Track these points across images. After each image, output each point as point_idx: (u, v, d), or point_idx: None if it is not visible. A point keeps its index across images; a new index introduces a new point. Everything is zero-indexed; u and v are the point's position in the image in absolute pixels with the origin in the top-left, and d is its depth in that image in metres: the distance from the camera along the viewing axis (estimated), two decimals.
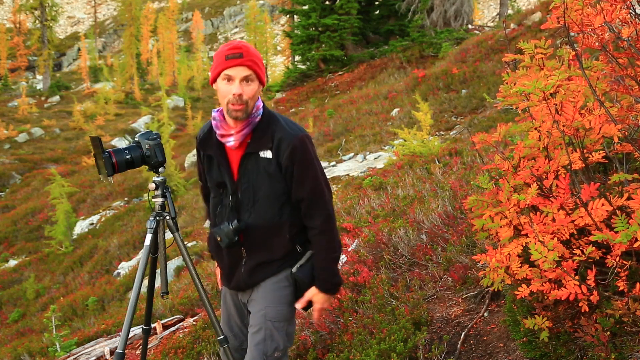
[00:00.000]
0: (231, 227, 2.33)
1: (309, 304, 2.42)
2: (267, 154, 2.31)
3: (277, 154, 2.29)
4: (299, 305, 2.40)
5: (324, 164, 11.88)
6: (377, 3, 24.68)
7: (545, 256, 1.97)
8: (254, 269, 2.40)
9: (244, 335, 2.56)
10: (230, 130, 2.33)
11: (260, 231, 2.36)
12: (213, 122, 2.38)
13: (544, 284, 2.12)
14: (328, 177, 10.34)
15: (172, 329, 5.55)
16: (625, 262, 2.02)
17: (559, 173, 2.17)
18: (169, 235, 2.81)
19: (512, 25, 16.01)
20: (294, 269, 2.39)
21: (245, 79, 2.24)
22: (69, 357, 5.88)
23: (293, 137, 2.29)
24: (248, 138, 2.33)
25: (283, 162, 2.29)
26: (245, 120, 2.30)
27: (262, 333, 2.37)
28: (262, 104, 2.36)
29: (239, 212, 2.38)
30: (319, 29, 22.93)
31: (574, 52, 2.34)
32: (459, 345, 3.06)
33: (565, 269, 2.02)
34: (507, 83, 2.54)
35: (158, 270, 2.88)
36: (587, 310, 2.13)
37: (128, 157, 2.64)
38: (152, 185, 2.71)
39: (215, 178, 2.44)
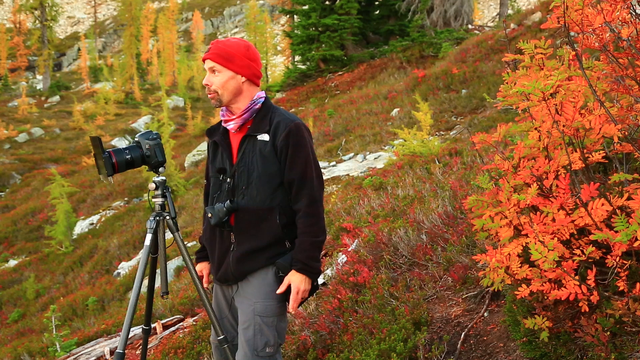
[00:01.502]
0: (224, 206, 2.41)
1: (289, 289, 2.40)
2: (264, 136, 2.42)
3: (274, 136, 2.41)
4: (278, 290, 2.40)
5: (324, 163, 11.87)
6: (377, 3, 24.66)
7: (545, 256, 1.97)
8: (242, 258, 2.42)
9: (235, 332, 2.59)
10: (232, 116, 2.49)
11: (251, 215, 2.41)
12: (220, 112, 2.54)
13: (544, 284, 2.12)
14: (328, 177, 10.43)
15: (172, 329, 5.55)
16: (625, 262, 2.01)
17: (559, 173, 2.17)
18: (169, 235, 2.81)
19: (512, 25, 16.01)
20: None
21: (212, 70, 2.44)
22: (69, 357, 5.88)
23: (290, 121, 2.42)
24: (249, 123, 2.48)
25: (278, 144, 2.39)
26: (245, 106, 2.46)
27: (251, 329, 2.41)
28: (264, 95, 2.52)
29: (233, 195, 2.46)
30: (319, 29, 22.91)
31: (574, 52, 2.33)
32: (459, 345, 3.06)
33: (565, 269, 2.02)
34: (507, 83, 2.53)
35: (158, 270, 2.89)
36: (587, 310, 2.13)
37: (128, 157, 2.66)
38: (152, 185, 2.73)
39: (217, 165, 2.55)
